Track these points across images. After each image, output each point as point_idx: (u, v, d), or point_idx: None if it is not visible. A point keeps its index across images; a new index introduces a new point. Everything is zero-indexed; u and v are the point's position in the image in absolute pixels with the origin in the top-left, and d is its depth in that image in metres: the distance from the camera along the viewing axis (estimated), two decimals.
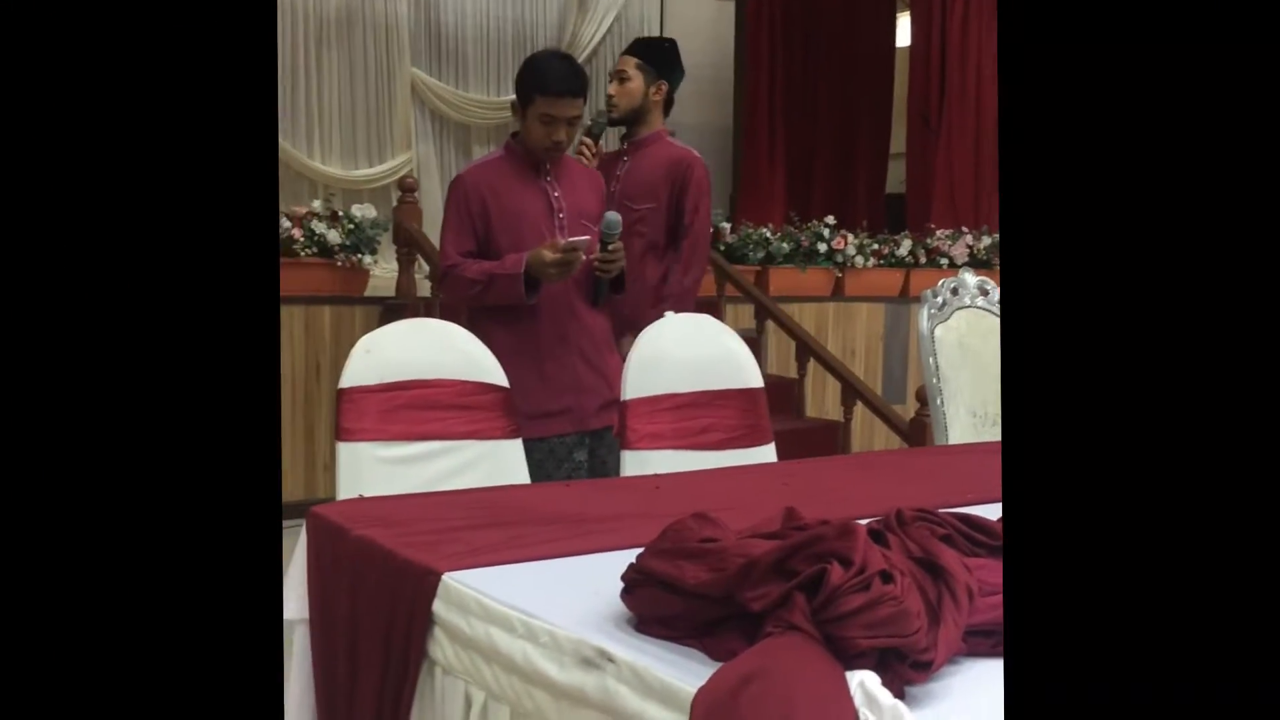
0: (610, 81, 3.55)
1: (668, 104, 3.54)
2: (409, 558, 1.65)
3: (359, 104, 6.55)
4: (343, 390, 2.52)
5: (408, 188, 4.94)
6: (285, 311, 4.78)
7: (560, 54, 3.18)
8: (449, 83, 6.75)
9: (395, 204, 5.05)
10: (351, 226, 4.80)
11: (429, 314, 4.34)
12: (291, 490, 4.86)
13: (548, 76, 2.94)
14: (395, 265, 5.08)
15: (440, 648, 1.59)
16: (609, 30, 7.21)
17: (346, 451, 2.48)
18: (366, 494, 2.24)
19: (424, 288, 4.94)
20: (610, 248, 2.95)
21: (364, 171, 6.60)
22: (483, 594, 1.52)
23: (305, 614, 1.87)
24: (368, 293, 5.00)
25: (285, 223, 4.72)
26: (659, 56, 3.55)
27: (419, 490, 2.33)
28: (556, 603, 1.47)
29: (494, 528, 1.83)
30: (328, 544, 1.85)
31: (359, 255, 4.83)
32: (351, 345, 4.82)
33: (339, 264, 4.80)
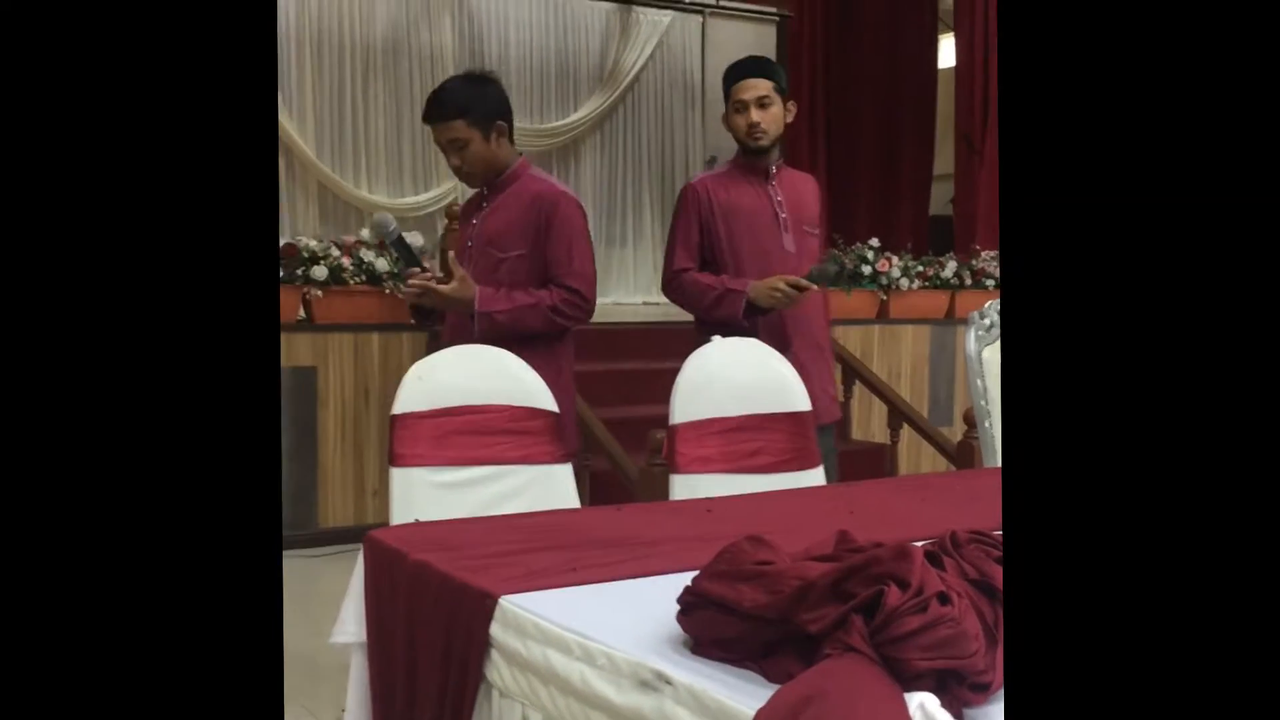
0: (748, 110, 3.35)
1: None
2: (466, 581, 1.67)
3: (404, 133, 6.63)
4: (396, 416, 2.56)
5: (454, 215, 4.99)
6: (335, 339, 4.85)
7: (464, 75, 3.17)
8: None
9: (442, 231, 5.11)
10: (398, 255, 4.85)
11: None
12: (341, 515, 4.91)
13: (426, 107, 3.08)
14: None
15: (497, 670, 1.61)
16: (650, 56, 7.26)
17: (400, 477, 2.51)
18: (420, 519, 2.27)
19: None
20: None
21: (410, 199, 6.67)
22: (540, 617, 1.53)
23: (363, 637, 1.90)
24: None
25: (334, 251, 4.79)
26: (784, 79, 3.46)
27: (471, 515, 2.36)
28: (613, 625, 1.49)
29: (548, 551, 1.85)
30: (385, 568, 1.87)
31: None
32: (400, 371, 4.89)
33: (387, 291, 4.86)
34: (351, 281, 4.77)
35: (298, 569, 4.61)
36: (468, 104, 2.97)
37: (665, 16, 7.34)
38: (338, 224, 6.25)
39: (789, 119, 3.45)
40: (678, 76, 7.49)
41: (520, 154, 3.10)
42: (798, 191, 3.50)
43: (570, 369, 3.09)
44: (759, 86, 3.39)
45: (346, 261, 4.76)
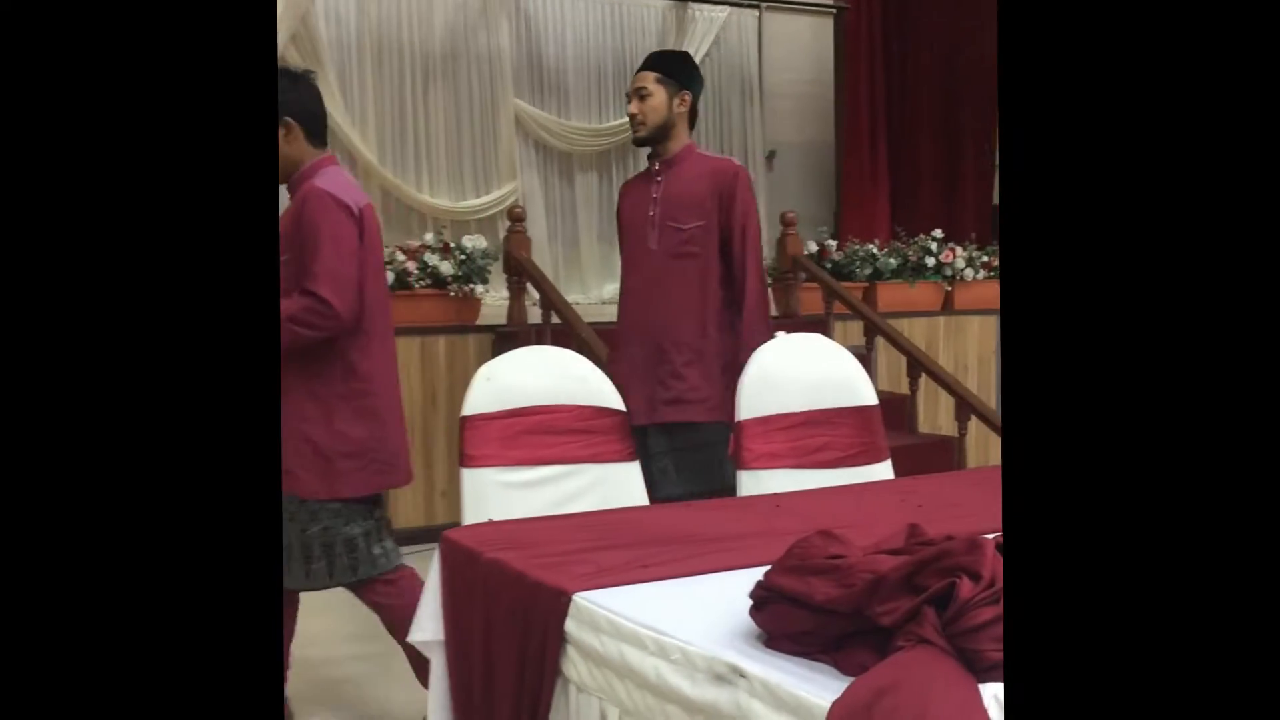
0: (629, 100, 3.33)
1: (692, 116, 3.36)
2: (540, 579, 1.70)
3: (464, 137, 6.69)
4: (465, 418, 2.60)
5: (516, 217, 5.04)
6: (402, 343, 4.91)
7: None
8: (551, 112, 6.86)
9: (505, 234, 5.16)
10: (463, 257, 4.91)
11: (539, 341, 4.42)
12: (412, 516, 4.98)
13: None
14: (506, 293, 5.19)
15: (574, 666, 1.63)
16: (708, 54, 7.26)
17: (470, 477, 2.55)
18: (493, 518, 2.31)
19: (534, 315, 5.03)
20: None
21: (471, 203, 6.73)
22: (614, 613, 1.56)
23: (441, 635, 1.93)
24: (480, 321, 5.11)
25: (399, 256, 4.86)
26: (678, 67, 3.37)
27: (540, 513, 2.39)
28: (685, 620, 1.51)
29: (620, 549, 1.87)
30: (461, 567, 1.91)
31: (471, 285, 4.94)
32: (466, 373, 4.94)
33: (452, 294, 4.92)
34: (417, 286, 4.83)
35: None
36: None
37: (721, 12, 7.34)
38: (401, 229, 6.32)
39: (680, 108, 3.32)
40: (735, 72, 7.48)
41: (325, 155, 2.73)
42: (685, 181, 3.33)
43: (360, 392, 2.73)
44: (640, 78, 3.36)
45: (412, 266, 4.83)
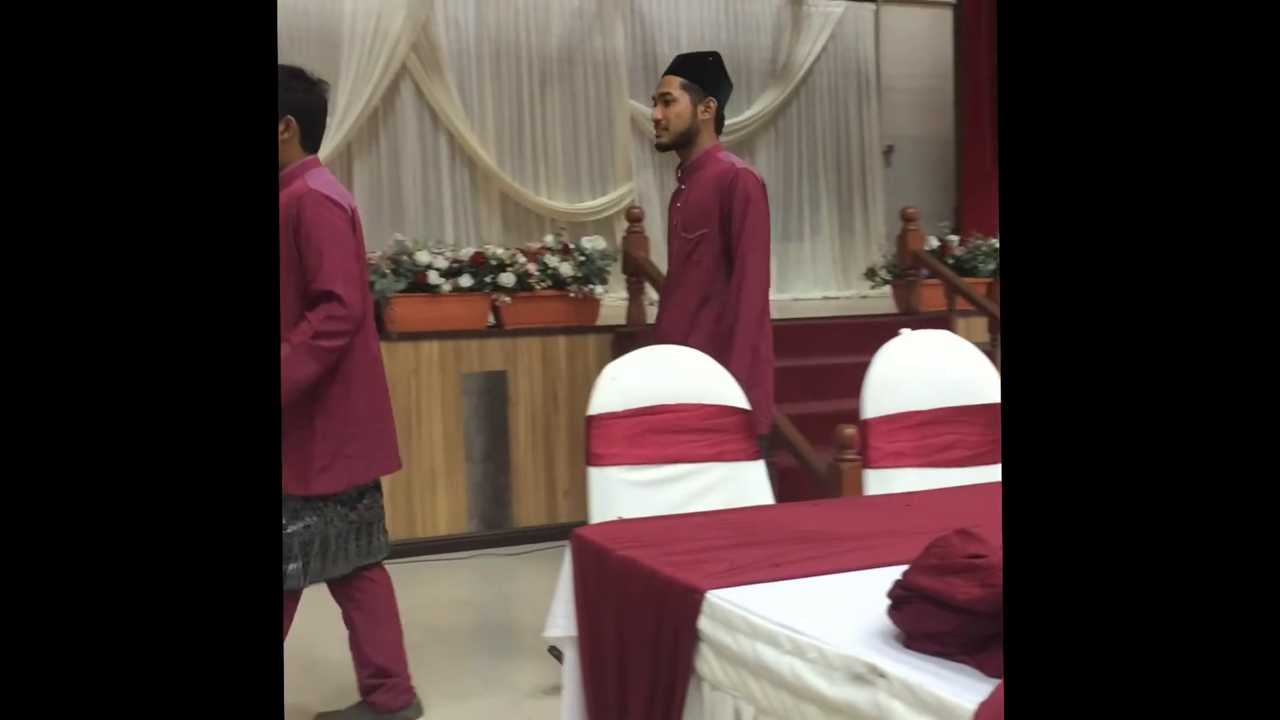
0: (654, 105, 3.29)
1: (718, 121, 3.31)
2: (673, 576, 1.71)
3: (581, 139, 6.76)
4: (591, 417, 2.62)
5: (634, 218, 5.07)
6: (523, 343, 4.99)
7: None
8: None
9: (624, 234, 5.19)
10: (582, 259, 4.96)
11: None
12: (534, 515, 5.04)
13: None
14: (625, 294, 5.22)
15: (707, 664, 1.64)
16: (824, 49, 7.21)
17: (597, 476, 2.57)
18: (622, 516, 2.33)
19: (652, 314, 5.06)
20: None
21: (588, 204, 6.79)
22: (748, 611, 1.56)
23: (574, 631, 1.96)
24: (599, 322, 5.15)
25: (520, 258, 4.93)
26: (704, 73, 3.31)
27: (666, 512, 2.40)
28: (820, 619, 1.50)
29: (750, 547, 1.87)
30: (592, 564, 1.93)
31: (590, 286, 4.99)
32: (586, 373, 4.99)
33: (572, 295, 4.98)
34: (538, 287, 4.90)
35: (495, 568, 4.75)
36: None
37: (837, 7, 7.27)
38: (520, 231, 6.42)
39: (704, 115, 3.28)
40: (851, 67, 7.41)
41: (311, 157, 2.76)
42: (697, 189, 3.29)
43: (340, 393, 2.73)
44: (665, 82, 3.32)
45: (532, 268, 4.89)
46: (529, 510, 5.03)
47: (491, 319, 4.98)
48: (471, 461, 4.93)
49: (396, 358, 4.81)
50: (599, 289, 5.06)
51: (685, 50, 7.16)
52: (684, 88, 3.25)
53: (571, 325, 5.03)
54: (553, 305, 4.98)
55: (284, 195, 2.64)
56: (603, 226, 6.57)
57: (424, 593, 4.32)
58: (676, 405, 2.66)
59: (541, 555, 4.84)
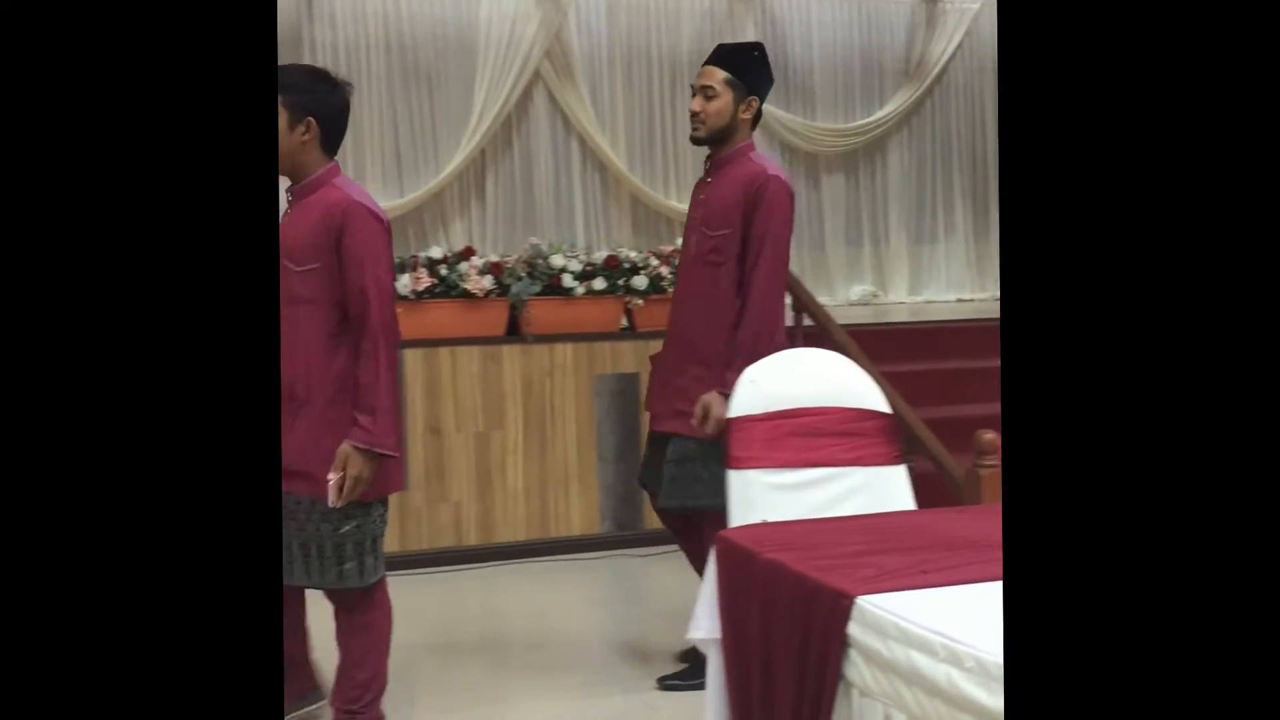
0: (694, 96, 3.14)
1: (756, 118, 3.19)
2: (821, 581, 1.71)
3: None
4: (731, 420, 2.62)
5: None
6: (655, 345, 5.00)
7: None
8: (797, 113, 6.84)
9: None
10: None
11: (792, 343, 4.42)
12: (656, 518, 5.06)
13: None
14: None
15: (856, 670, 1.63)
16: (959, 46, 7.08)
17: (737, 479, 2.57)
18: (766, 519, 2.33)
19: (789, 316, 5.03)
20: None
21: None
22: (900, 617, 1.54)
23: (717, 633, 1.96)
24: None
25: (653, 260, 4.95)
26: (750, 68, 3.16)
27: (806, 516, 2.39)
28: (975, 627, 1.48)
29: (897, 553, 1.85)
30: (737, 567, 1.93)
31: None
32: None
33: None
34: (670, 290, 4.91)
35: (627, 569, 4.79)
36: (289, 85, 2.63)
37: (974, 4, 7.14)
38: (650, 234, 6.44)
39: (745, 114, 3.15)
40: (988, 65, 7.26)
41: (334, 163, 2.76)
42: (724, 187, 3.16)
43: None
44: (707, 74, 3.16)
45: (665, 270, 4.91)
46: (651, 515, 5.04)
47: (624, 321, 5.02)
48: (604, 463, 4.97)
49: (531, 360, 4.88)
50: None
51: (816, 50, 7.14)
52: (727, 83, 3.11)
53: None
54: None
55: (320, 203, 2.65)
56: None
57: (558, 593, 4.38)
58: (816, 409, 2.65)
59: (673, 557, 4.85)
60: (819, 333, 4.52)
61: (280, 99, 2.59)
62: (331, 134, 2.74)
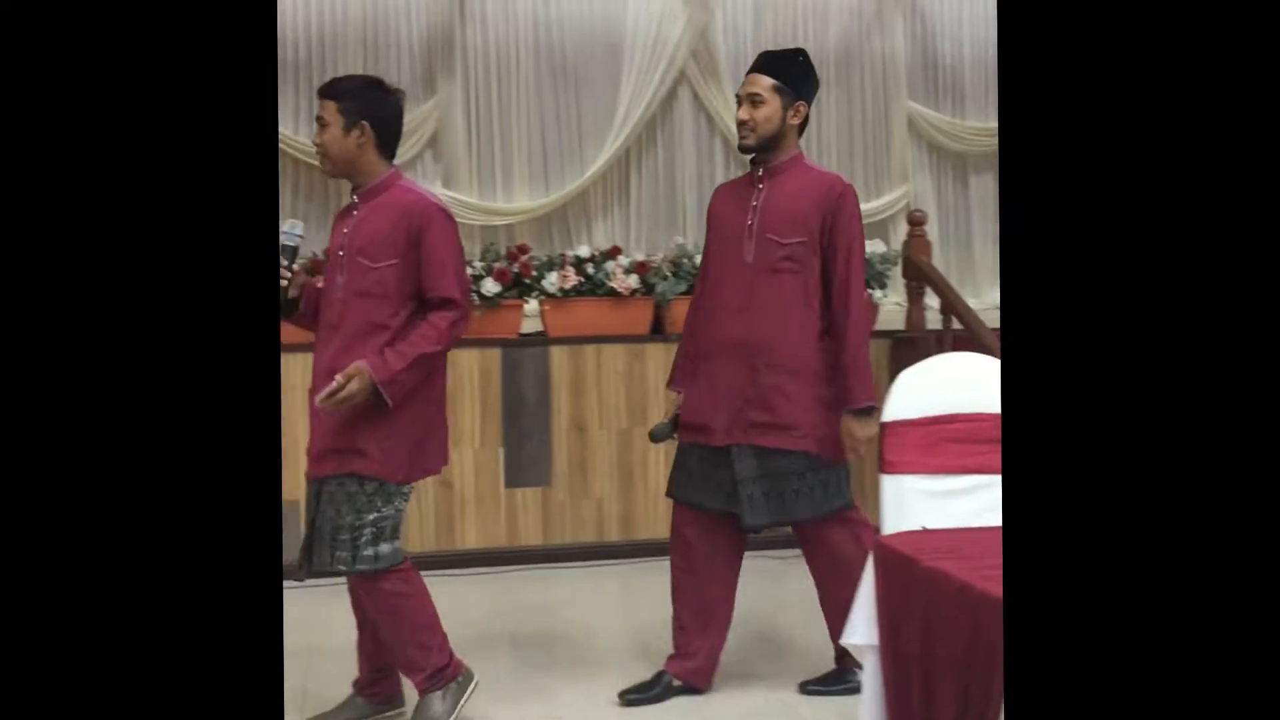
0: (739, 105, 3.14)
1: (803, 124, 3.17)
2: (987, 590, 1.67)
3: (856, 142, 6.67)
4: (885, 424, 2.60)
5: (916, 221, 4.98)
6: None
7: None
8: (945, 112, 6.72)
9: (905, 238, 5.11)
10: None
11: (940, 347, 4.35)
12: None
13: None
14: (904, 298, 5.14)
15: None
16: None
17: (890, 484, 2.55)
18: (918, 525, 2.29)
19: (934, 320, 4.95)
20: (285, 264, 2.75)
21: (864, 205, 6.70)
22: None
23: (874, 639, 1.95)
24: (877, 327, 5.08)
25: None
26: (796, 74, 3.14)
27: (962, 523, 2.35)
28: None
29: None
30: (897, 573, 1.91)
31: (869, 290, 4.93)
32: None
33: None
34: None
35: (768, 569, 4.76)
36: (344, 93, 2.87)
37: None
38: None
39: (794, 120, 3.12)
40: None
41: (393, 168, 2.96)
42: (788, 194, 3.10)
43: (444, 380, 3.01)
44: (755, 82, 3.12)
45: None
46: None
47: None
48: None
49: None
50: (878, 293, 5.00)
51: (966, 49, 7.00)
52: (775, 90, 3.10)
53: None
54: None
55: (394, 204, 2.86)
56: (875, 230, 6.46)
57: None
58: (973, 414, 2.60)
59: (793, 562, 4.82)
60: (966, 336, 4.44)
61: (336, 106, 2.84)
62: (386, 138, 2.92)
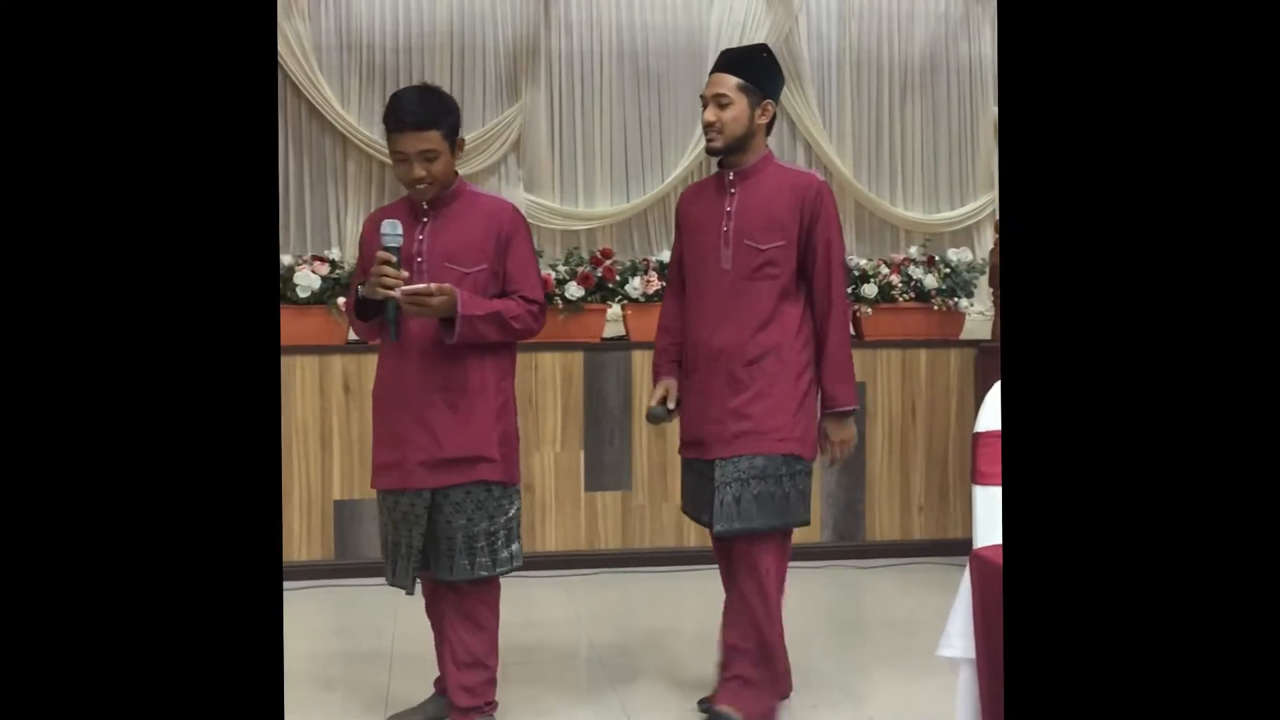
0: (705, 107, 3.02)
1: (770, 123, 3.05)
2: None
3: (941, 148, 6.60)
4: (978, 434, 2.56)
5: None
6: (883, 355, 4.94)
7: (421, 87, 2.94)
8: None
9: (991, 246, 5.04)
10: (948, 270, 4.86)
11: None
12: (887, 529, 4.98)
13: (390, 112, 2.85)
14: (987, 308, 5.07)
15: None
16: None
17: (983, 495, 2.50)
18: None
19: None
20: (379, 269, 2.77)
21: (945, 215, 6.63)
22: None
23: (971, 653, 1.92)
24: (963, 336, 5.03)
25: (883, 269, 4.88)
26: (761, 72, 3.03)
27: None
28: None
29: None
30: (993, 586, 1.88)
31: (955, 299, 4.88)
32: (947, 389, 4.88)
33: (935, 308, 4.88)
34: (900, 299, 4.83)
35: (845, 579, 4.73)
36: (438, 116, 2.85)
37: None
38: (874, 241, 6.35)
39: (761, 119, 3.00)
40: None
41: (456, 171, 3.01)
42: (764, 197, 3.00)
43: (513, 380, 3.06)
44: (719, 82, 3.00)
45: (895, 279, 4.84)
46: (883, 524, 4.97)
47: (851, 329, 4.97)
48: (826, 471, 4.93)
49: None
50: (964, 302, 4.93)
51: None
52: (741, 89, 2.99)
53: (934, 339, 4.94)
54: (914, 317, 4.91)
55: (474, 208, 2.94)
56: (961, 237, 6.39)
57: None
58: None
59: (894, 570, 4.78)
60: None
61: (440, 132, 2.83)
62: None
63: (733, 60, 3.05)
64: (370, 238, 2.97)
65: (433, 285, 2.77)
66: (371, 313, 2.89)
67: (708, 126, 3.01)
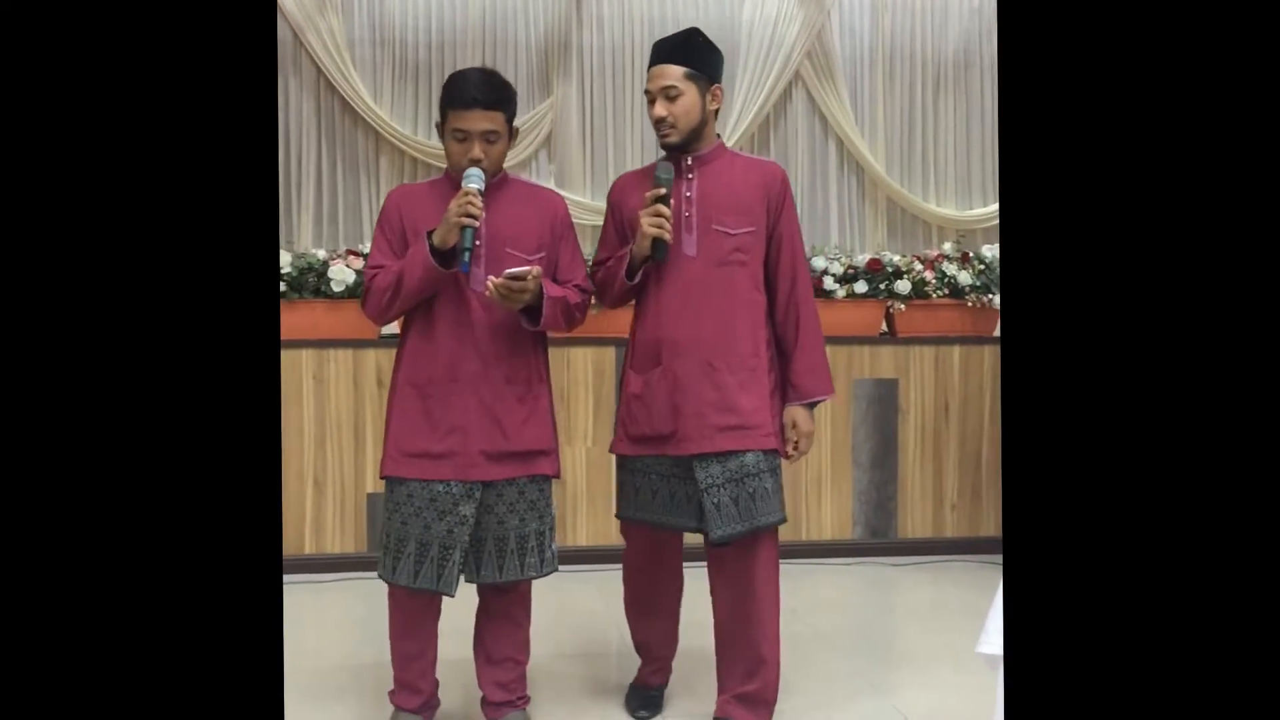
0: (652, 103, 2.92)
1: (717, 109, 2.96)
2: None
3: (974, 144, 6.56)
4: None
5: None
6: (916, 352, 4.91)
7: (485, 69, 2.84)
8: None
9: None
10: (982, 267, 4.83)
11: None
12: (919, 527, 4.96)
13: (456, 90, 2.75)
14: None
15: None
16: None
17: None
18: None
19: None
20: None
21: (978, 211, 6.59)
22: None
23: None
24: (996, 333, 5.00)
25: (917, 265, 4.86)
26: (704, 57, 2.92)
27: None
28: None
29: None
30: None
31: (989, 295, 4.85)
32: (980, 385, 4.85)
33: (969, 304, 4.85)
34: (934, 295, 4.81)
35: (880, 577, 4.71)
36: (505, 98, 2.79)
37: None
38: (906, 238, 6.32)
39: (713, 105, 2.92)
40: None
41: None
42: (728, 182, 2.93)
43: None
44: (664, 74, 2.89)
45: (929, 275, 4.81)
46: (915, 522, 4.95)
47: (884, 326, 4.95)
48: (859, 468, 4.91)
49: None
50: (998, 298, 4.90)
51: None
52: (689, 78, 2.88)
53: (967, 335, 4.91)
54: (948, 314, 4.88)
55: (523, 196, 2.91)
56: (993, 234, 6.36)
57: (809, 595, 4.35)
58: None
59: (926, 568, 4.76)
60: None
61: (505, 115, 2.79)
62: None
63: (673, 49, 2.93)
64: (403, 210, 2.87)
65: (528, 269, 2.70)
66: (448, 262, 2.73)
67: (659, 122, 2.91)
